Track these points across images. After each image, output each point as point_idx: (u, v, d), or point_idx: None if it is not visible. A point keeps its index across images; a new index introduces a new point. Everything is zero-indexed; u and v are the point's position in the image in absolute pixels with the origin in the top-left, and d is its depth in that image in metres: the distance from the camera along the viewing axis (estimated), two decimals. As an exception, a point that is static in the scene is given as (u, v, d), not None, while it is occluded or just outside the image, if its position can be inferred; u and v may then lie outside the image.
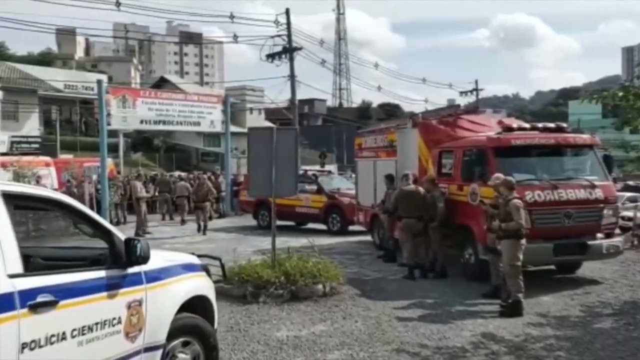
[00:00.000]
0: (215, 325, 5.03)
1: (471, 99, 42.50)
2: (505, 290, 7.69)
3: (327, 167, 31.20)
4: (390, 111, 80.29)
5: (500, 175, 8.26)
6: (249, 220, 19.36)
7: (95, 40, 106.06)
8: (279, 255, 9.10)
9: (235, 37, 28.44)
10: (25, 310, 3.09)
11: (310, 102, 71.82)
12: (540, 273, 9.79)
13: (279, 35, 26.50)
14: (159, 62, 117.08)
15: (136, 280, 3.97)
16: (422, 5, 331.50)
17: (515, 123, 10.46)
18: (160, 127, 23.11)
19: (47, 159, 23.09)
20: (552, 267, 10.00)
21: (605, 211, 9.10)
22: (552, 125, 10.08)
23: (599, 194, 9.05)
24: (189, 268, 4.75)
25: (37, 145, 31.78)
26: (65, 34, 71.40)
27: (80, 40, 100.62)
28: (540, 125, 10.04)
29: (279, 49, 26.59)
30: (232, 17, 26.53)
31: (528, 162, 9.56)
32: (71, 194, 18.94)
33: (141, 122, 21.21)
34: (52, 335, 3.25)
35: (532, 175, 9.22)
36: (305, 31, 66.37)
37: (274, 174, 8.77)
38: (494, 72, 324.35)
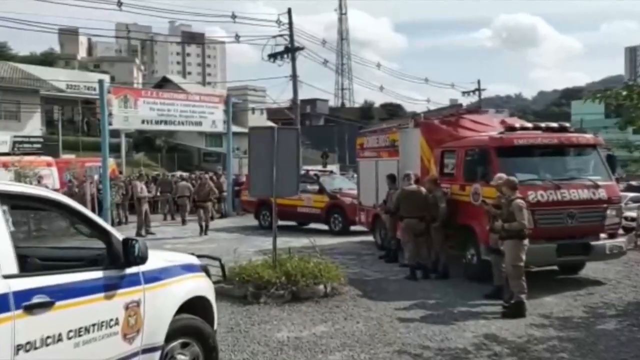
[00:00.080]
0: (215, 326, 4.98)
1: (474, 99, 42.47)
2: (508, 291, 7.63)
3: (329, 167, 31.14)
4: (393, 111, 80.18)
5: (502, 175, 8.20)
6: (250, 220, 19.33)
7: (97, 40, 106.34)
8: (280, 255, 9.05)
9: (237, 37, 28.40)
10: (20, 311, 3.04)
11: (312, 102, 71.72)
12: (543, 274, 9.73)
13: (280, 35, 26.45)
14: (161, 62, 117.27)
15: (134, 280, 3.92)
16: (424, 5, 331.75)
17: (517, 123, 10.40)
18: (162, 127, 23.07)
19: (49, 159, 23.07)
20: (555, 267, 9.93)
21: (608, 211, 9.04)
22: (555, 124, 10.02)
23: (602, 194, 8.98)
24: (188, 268, 4.70)
25: (39, 145, 31.82)
26: (68, 34, 71.55)
27: (83, 41, 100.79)
28: (543, 125, 9.99)
29: (281, 48, 26.54)
30: (233, 17, 26.53)
31: (531, 162, 9.51)
32: (72, 194, 18.95)
33: (143, 122, 21.18)
34: (48, 337, 3.21)
35: (535, 175, 9.16)
36: (307, 31, 66.54)
37: (275, 174, 8.72)
38: (497, 72, 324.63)
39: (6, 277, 3.05)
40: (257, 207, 18.40)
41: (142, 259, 3.88)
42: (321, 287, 8.34)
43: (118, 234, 3.94)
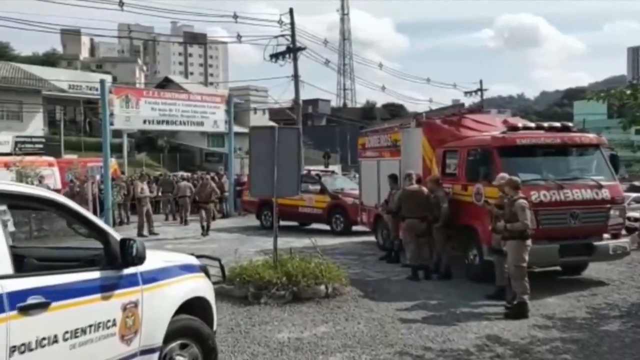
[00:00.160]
0: (215, 327, 4.93)
1: (476, 99, 42.39)
2: (511, 292, 7.57)
3: (331, 168, 31.10)
4: (395, 111, 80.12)
5: (505, 175, 8.14)
6: (252, 220, 19.29)
7: (100, 41, 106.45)
8: (281, 255, 9.00)
9: (239, 37, 28.39)
10: (15, 312, 3.00)
11: (314, 102, 71.73)
12: (546, 274, 9.68)
13: (282, 35, 26.41)
14: (163, 62, 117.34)
15: (132, 281, 3.88)
16: (426, 6, 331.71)
17: (520, 122, 10.35)
18: (164, 127, 23.01)
19: (51, 159, 23.07)
20: (558, 268, 9.87)
21: (611, 211, 8.97)
22: (557, 124, 9.95)
23: (605, 194, 8.92)
24: (187, 269, 4.65)
25: (41, 146, 31.82)
26: (70, 34, 71.61)
27: (85, 41, 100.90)
28: (545, 124, 9.94)
29: (282, 49, 26.50)
30: (235, 17, 26.48)
31: (533, 162, 9.45)
32: (74, 194, 18.93)
33: (144, 122, 21.13)
34: (44, 338, 3.16)
35: (538, 175, 9.11)
36: (309, 31, 66.48)
37: (275, 174, 8.66)
38: (499, 72, 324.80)
39: (0, 277, 3.00)
40: (258, 208, 18.36)
41: (140, 259, 3.83)
42: (322, 287, 8.29)
43: (116, 234, 3.89)
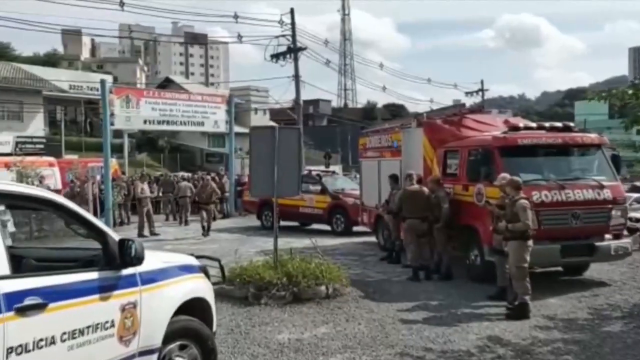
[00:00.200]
0: (214, 328, 4.90)
1: (477, 99, 42.34)
2: (512, 293, 7.54)
3: (332, 168, 31.07)
4: (395, 111, 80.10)
5: (506, 175, 8.11)
6: (252, 220, 19.26)
7: (101, 41, 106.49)
8: (282, 256, 8.97)
9: (239, 37, 28.36)
10: (11, 313, 2.97)
11: (315, 102, 71.69)
12: (547, 275, 9.65)
13: (283, 36, 26.39)
14: (164, 63, 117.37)
15: (130, 282, 3.85)
16: (426, 6, 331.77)
17: (521, 122, 10.32)
18: (164, 127, 22.99)
19: (51, 159, 23.05)
20: (559, 268, 9.83)
21: (613, 212, 8.93)
22: (559, 124, 9.92)
23: (607, 194, 8.88)
24: (186, 269, 4.62)
25: (41, 146, 31.80)
26: (71, 34, 71.63)
27: (86, 41, 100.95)
28: (547, 124, 9.90)
29: (283, 49, 26.48)
30: (236, 17, 26.45)
31: (535, 162, 9.42)
32: (75, 195, 18.91)
33: (145, 122, 21.11)
34: (41, 340, 3.13)
35: (539, 175, 9.07)
36: (310, 31, 66.44)
37: (276, 174, 8.63)
38: (500, 73, 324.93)
39: (-3, 278, 2.98)
40: (259, 208, 18.34)
41: (139, 260, 3.80)
42: (323, 288, 8.26)
43: (114, 235, 3.86)
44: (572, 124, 10.27)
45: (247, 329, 6.85)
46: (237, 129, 25.94)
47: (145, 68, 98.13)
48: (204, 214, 16.34)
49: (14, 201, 3.62)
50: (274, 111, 51.38)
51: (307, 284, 8.15)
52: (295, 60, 26.48)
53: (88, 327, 3.46)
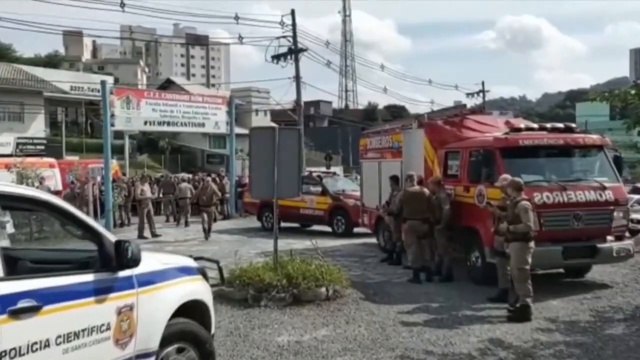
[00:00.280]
0: (212, 331, 4.85)
1: (478, 100, 42.26)
2: (513, 295, 7.49)
3: (333, 169, 31.03)
4: (397, 113, 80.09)
5: (507, 176, 8.06)
6: (253, 222, 19.21)
7: (102, 42, 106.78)
8: (282, 257, 8.92)
9: (240, 38, 28.41)
10: (5, 316, 2.93)
11: (316, 103, 71.76)
12: (549, 277, 9.59)
13: (284, 37, 26.37)
14: (165, 64, 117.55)
15: (127, 284, 3.80)
16: (427, 7, 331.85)
17: (522, 123, 10.25)
18: (165, 128, 22.93)
19: (52, 160, 23.01)
20: (561, 270, 9.78)
21: (615, 213, 8.87)
22: (560, 125, 9.87)
23: (609, 195, 8.83)
24: (184, 271, 4.57)
25: (42, 147, 31.78)
26: (72, 35, 71.68)
27: (87, 43, 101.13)
28: (548, 125, 9.84)
29: (284, 50, 26.46)
30: (237, 18, 26.45)
31: (536, 163, 9.37)
32: (75, 196, 18.88)
33: (145, 123, 21.04)
34: (35, 343, 3.09)
35: (541, 177, 9.03)
36: (311, 33, 66.16)
37: (276, 175, 8.57)
38: (501, 74, 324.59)
39: (-10, 280, 2.93)
40: (259, 209, 18.29)
41: (135, 262, 3.75)
42: (323, 290, 8.21)
43: (111, 236, 3.81)
44: (573, 125, 10.21)
45: (246, 331, 6.79)
46: (238, 130, 25.91)
47: (147, 69, 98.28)
48: (205, 216, 16.19)
49: (8, 202, 3.57)
50: (275, 112, 51.46)
51: (307, 286, 8.10)
52: (296, 61, 26.45)
53: (83, 330, 3.41)
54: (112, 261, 3.70)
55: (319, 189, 17.09)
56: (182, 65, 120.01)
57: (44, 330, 3.15)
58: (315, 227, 17.57)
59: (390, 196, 11.49)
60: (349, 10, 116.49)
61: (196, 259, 5.14)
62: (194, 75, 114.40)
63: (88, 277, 3.57)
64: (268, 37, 26.63)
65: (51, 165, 21.94)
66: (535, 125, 9.97)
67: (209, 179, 19.33)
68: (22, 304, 3.03)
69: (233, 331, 6.77)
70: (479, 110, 14.02)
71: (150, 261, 4.12)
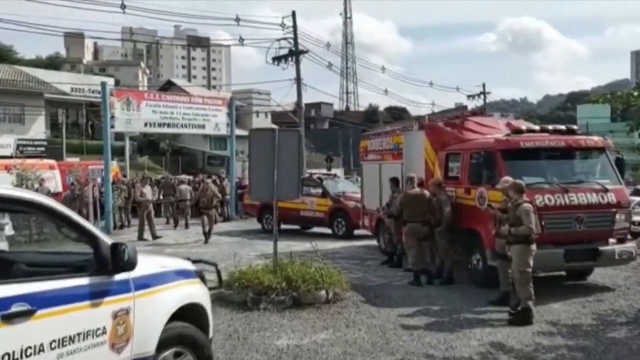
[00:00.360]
0: (211, 335, 4.80)
1: (479, 102, 42.21)
2: (515, 298, 7.44)
3: (334, 171, 31.00)
4: (398, 115, 79.95)
5: (509, 178, 8.01)
6: (253, 224, 19.16)
7: (103, 44, 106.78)
8: (282, 260, 8.86)
9: (241, 39, 28.30)
10: None
11: (317, 105, 71.67)
12: (551, 279, 9.53)
13: (285, 39, 26.34)
14: (166, 66, 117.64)
15: (123, 287, 3.74)
16: (429, 9, 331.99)
17: (524, 125, 10.20)
18: (165, 129, 22.90)
19: (52, 162, 22.98)
20: (562, 273, 9.71)
21: (617, 216, 8.82)
22: (562, 127, 9.83)
23: (611, 198, 8.77)
24: (181, 274, 4.52)
25: (43, 149, 31.78)
26: (73, 37, 71.73)
27: (89, 45, 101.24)
28: (550, 127, 9.80)
29: (286, 52, 26.42)
30: (237, 20, 26.40)
31: (538, 165, 9.32)
32: (75, 197, 18.83)
33: (145, 124, 21.02)
34: (29, 347, 3.03)
35: (542, 179, 8.97)
36: (312, 34, 66.11)
37: (275, 177, 8.52)
38: (502, 76, 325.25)
39: (-18, 284, 2.88)
40: (259, 211, 18.25)
41: (131, 265, 3.69)
42: (323, 292, 8.15)
43: (107, 239, 3.75)
44: (575, 127, 10.15)
45: (245, 334, 6.74)
46: (239, 131, 25.88)
47: (148, 71, 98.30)
48: (205, 218, 16.08)
49: (1, 204, 3.51)
50: (276, 114, 51.38)
51: (307, 289, 8.04)
52: (297, 63, 26.42)
53: (78, 334, 3.35)
54: (108, 264, 3.64)
55: (320, 190, 17.04)
56: (183, 67, 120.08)
57: (37, 334, 3.09)
58: (316, 229, 17.51)
59: (391, 198, 11.44)
60: (350, 12, 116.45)
61: (194, 261, 5.08)
62: (195, 77, 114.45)
63: (83, 281, 3.52)
64: (269, 39, 26.66)
65: (51, 167, 21.91)
66: (537, 127, 9.91)
67: (209, 180, 19.27)
68: (16, 308, 2.98)
69: (232, 334, 6.72)
70: (480, 112, 13.95)
71: (147, 264, 4.06)
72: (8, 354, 2.91)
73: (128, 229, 19.40)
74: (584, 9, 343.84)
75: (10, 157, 24.48)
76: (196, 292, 4.60)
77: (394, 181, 11.51)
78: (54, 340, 3.19)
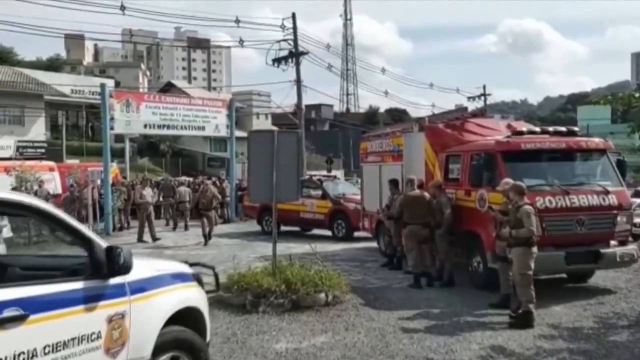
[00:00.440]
0: (208, 339, 4.74)
1: (479, 104, 42.19)
2: (516, 300, 7.38)
3: (334, 173, 30.94)
4: (398, 116, 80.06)
5: (509, 180, 7.96)
6: (253, 225, 19.11)
7: (104, 46, 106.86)
8: (281, 262, 8.81)
9: (241, 41, 28.29)
10: None
11: (317, 107, 71.68)
12: (551, 282, 9.46)
13: (285, 40, 26.32)
14: (167, 68, 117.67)
15: (119, 291, 3.68)
16: (429, 11, 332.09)
17: (524, 127, 10.17)
18: (164, 131, 22.84)
19: (51, 163, 22.98)
20: (564, 275, 9.66)
21: (619, 218, 8.77)
22: (563, 129, 9.78)
23: (612, 200, 8.72)
24: (178, 277, 4.46)
25: (42, 150, 31.76)
26: (74, 39, 71.82)
27: (89, 46, 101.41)
28: (551, 129, 9.75)
29: (286, 53, 26.40)
30: (237, 21, 26.43)
31: (538, 167, 9.28)
32: (74, 199, 18.79)
33: (145, 126, 20.96)
34: (21, 353, 2.97)
35: (543, 181, 8.92)
36: (312, 36, 66.25)
37: (274, 179, 8.47)
38: (502, 77, 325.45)
39: (-26, 289, 2.83)
40: (259, 213, 18.20)
41: (127, 269, 3.64)
42: (322, 295, 8.09)
43: (102, 242, 3.70)
44: (576, 129, 10.10)
45: (243, 337, 6.68)
46: (239, 133, 25.84)
47: (148, 73, 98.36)
48: (205, 220, 15.99)
49: None
50: (276, 116, 51.38)
51: (306, 291, 7.98)
52: (297, 64, 26.40)
53: (72, 339, 3.30)
54: (103, 268, 3.58)
55: (320, 192, 16.98)
56: (184, 68, 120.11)
57: (30, 339, 3.04)
58: (316, 231, 17.45)
59: (390, 200, 11.39)
60: (350, 13, 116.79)
61: (192, 264, 5.03)
62: (195, 78, 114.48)
63: (78, 285, 3.46)
64: (269, 41, 26.71)
65: (51, 169, 21.91)
66: (538, 129, 9.88)
67: (209, 182, 19.20)
68: (8, 312, 2.93)
69: (230, 337, 6.66)
70: (480, 113, 13.93)
71: (143, 268, 4.01)
72: (0, 359, 2.86)
73: (127, 230, 19.35)
74: (584, 9, 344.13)
75: (10, 158, 24.44)
76: (193, 296, 4.55)
77: (394, 183, 11.46)
78: (48, 345, 3.14)
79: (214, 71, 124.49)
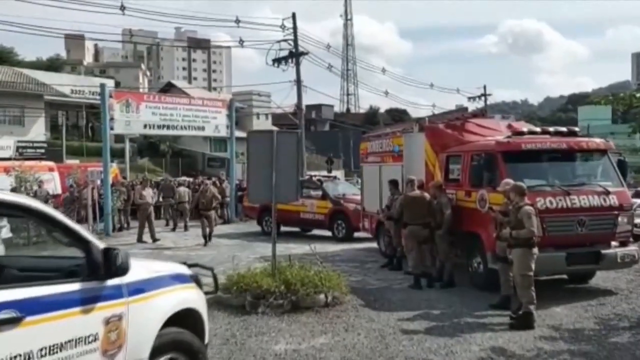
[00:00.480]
0: (206, 340, 4.70)
1: (479, 104, 42.17)
2: (516, 301, 7.35)
3: (334, 173, 30.94)
4: (398, 116, 79.98)
5: (510, 180, 7.92)
6: (253, 226, 19.07)
7: (104, 46, 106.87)
8: (280, 263, 8.77)
9: (241, 41, 28.27)
10: None
11: (317, 107, 71.66)
12: (552, 283, 9.43)
13: (285, 40, 26.30)
14: (167, 68, 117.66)
15: (116, 293, 3.65)
16: (429, 11, 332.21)
17: (525, 127, 10.14)
18: (164, 131, 22.79)
19: (51, 163, 22.97)
20: (564, 276, 9.62)
21: (620, 218, 8.74)
22: (563, 129, 9.75)
23: (613, 200, 8.69)
24: (176, 279, 4.43)
25: (42, 150, 31.74)
26: (74, 39, 71.83)
27: (89, 47, 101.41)
28: (551, 129, 9.72)
29: (286, 53, 26.38)
30: (237, 21, 26.41)
31: (539, 167, 9.24)
32: (74, 199, 18.77)
33: (145, 126, 20.91)
34: (17, 355, 2.94)
35: (544, 181, 8.89)
36: (312, 36, 66.21)
37: (274, 179, 8.44)
38: (502, 78, 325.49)
39: (-31, 291, 2.80)
40: (259, 213, 18.16)
41: (124, 270, 3.60)
42: (322, 296, 8.06)
43: (99, 243, 3.67)
44: (576, 129, 10.07)
45: (243, 339, 6.65)
46: (239, 133, 25.78)
47: (148, 73, 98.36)
48: (205, 221, 15.92)
49: None
50: (276, 116, 51.37)
51: (306, 292, 7.95)
52: (297, 64, 26.38)
53: (69, 341, 3.26)
54: (100, 269, 3.55)
55: (320, 193, 16.95)
56: (184, 68, 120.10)
57: (26, 342, 3.00)
58: (316, 232, 17.41)
59: (390, 200, 11.35)
60: (351, 14, 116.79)
61: (190, 265, 5.00)
62: (195, 78, 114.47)
63: (74, 286, 3.42)
64: (269, 41, 26.69)
65: (50, 169, 21.91)
66: (538, 129, 9.84)
67: (209, 182, 19.15)
68: (3, 314, 2.89)
69: (229, 339, 6.63)
70: (481, 113, 13.90)
71: (140, 269, 3.98)
72: None
73: (127, 231, 19.31)
74: (584, 9, 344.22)
75: (10, 159, 24.42)
76: (191, 297, 4.51)
77: (394, 183, 11.43)
78: (44, 348, 3.10)
79: (214, 71, 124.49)
